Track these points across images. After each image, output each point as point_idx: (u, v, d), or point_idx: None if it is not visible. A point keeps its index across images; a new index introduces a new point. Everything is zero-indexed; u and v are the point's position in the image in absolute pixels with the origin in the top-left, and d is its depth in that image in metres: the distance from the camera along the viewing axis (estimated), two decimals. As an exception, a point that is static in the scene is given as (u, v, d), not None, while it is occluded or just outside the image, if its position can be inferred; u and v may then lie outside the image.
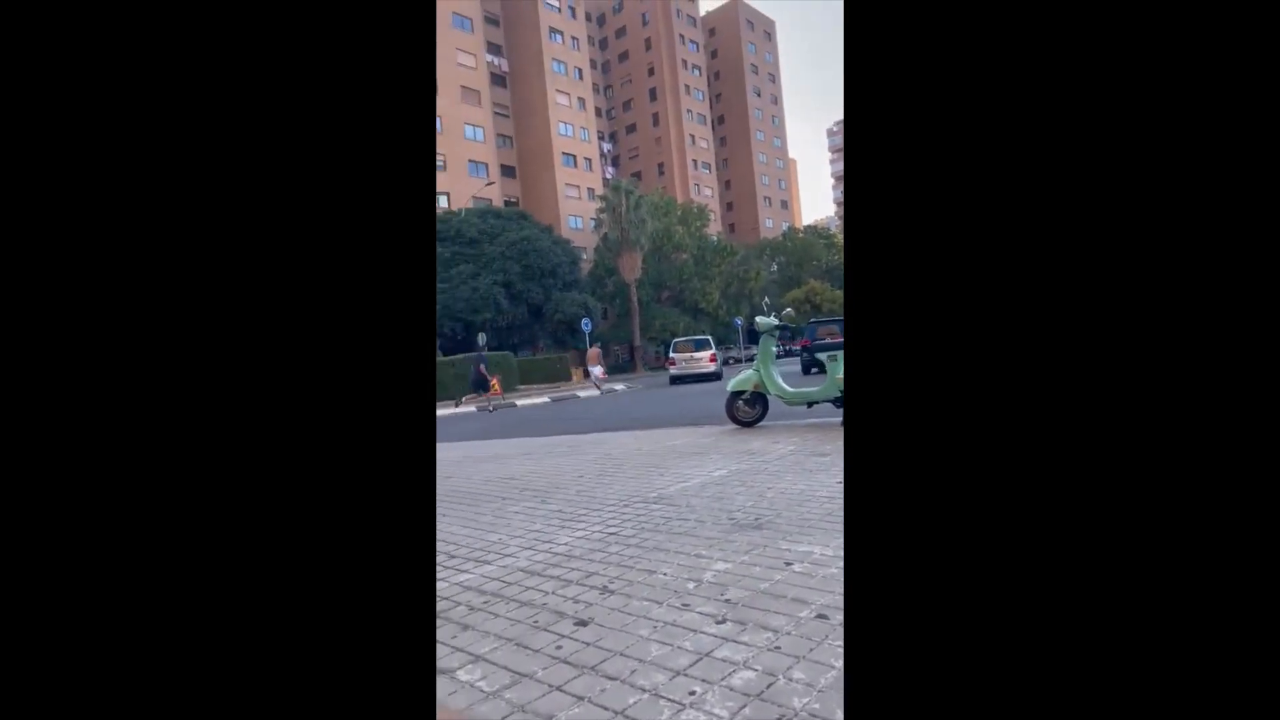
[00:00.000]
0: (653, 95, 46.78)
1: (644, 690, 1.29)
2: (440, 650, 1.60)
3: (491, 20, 36.97)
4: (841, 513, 2.48)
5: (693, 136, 48.04)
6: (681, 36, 47.70)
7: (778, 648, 1.41)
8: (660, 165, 47.07)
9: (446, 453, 5.77)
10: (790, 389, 5.39)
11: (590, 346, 17.02)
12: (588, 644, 1.54)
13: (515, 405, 13.23)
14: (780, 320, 5.68)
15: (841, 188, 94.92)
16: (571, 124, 37.94)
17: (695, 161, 48.09)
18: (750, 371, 5.58)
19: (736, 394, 5.56)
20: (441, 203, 30.09)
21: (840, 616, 1.54)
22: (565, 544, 2.43)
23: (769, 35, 57.16)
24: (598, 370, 16.63)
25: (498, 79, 36.91)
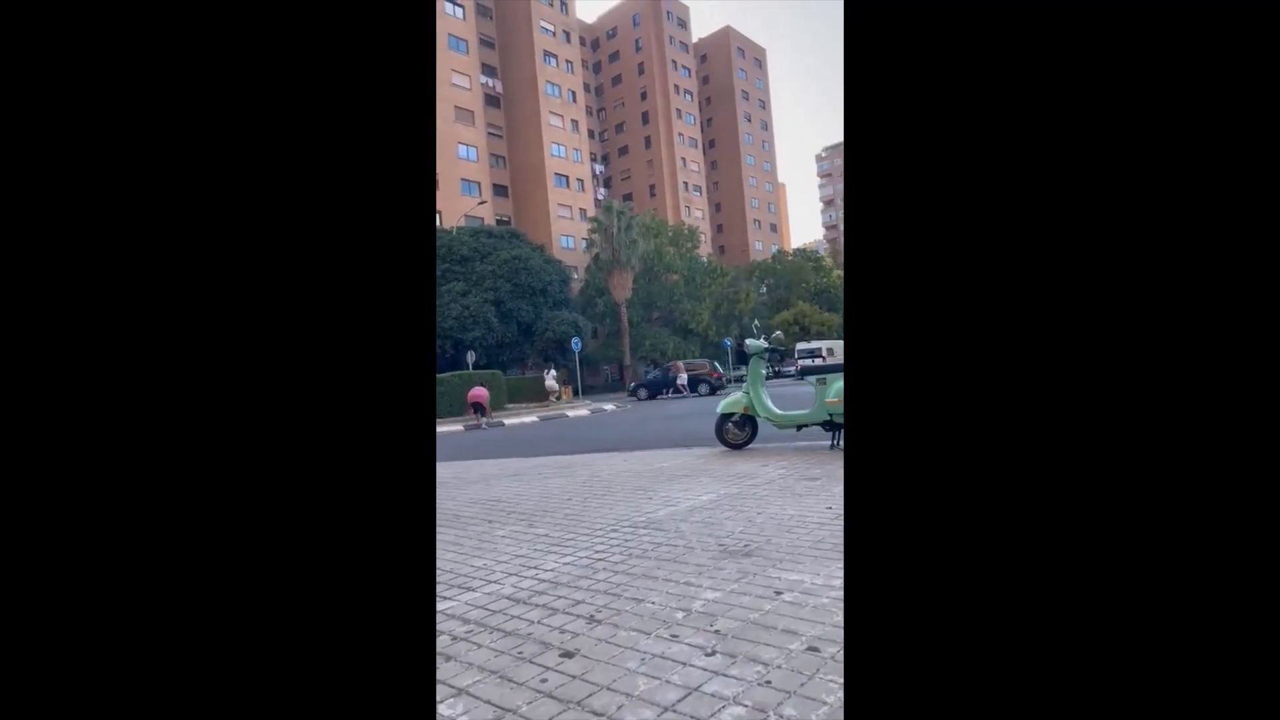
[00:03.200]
0: (645, 119, 47.44)
1: (631, 727, 1.25)
2: (421, 683, 1.55)
3: (487, 43, 37.47)
4: (832, 540, 2.46)
5: (684, 159, 48.67)
6: (674, 62, 48.55)
7: (768, 682, 1.38)
8: (652, 187, 47.56)
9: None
10: (780, 411, 5.39)
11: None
12: (574, 677, 1.50)
13: (503, 424, 13.12)
14: (770, 343, 5.69)
15: (830, 212, 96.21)
16: (564, 145, 38.31)
17: (686, 184, 48.66)
18: (740, 394, 5.58)
19: (726, 416, 5.55)
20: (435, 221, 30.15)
21: (833, 649, 1.51)
22: (552, 570, 2.38)
23: (759, 63, 58.35)
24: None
25: (491, 100, 37.30)
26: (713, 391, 17.74)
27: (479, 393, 13.79)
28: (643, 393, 19.60)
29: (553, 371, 20.16)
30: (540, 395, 21.01)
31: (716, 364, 19.80)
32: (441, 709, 1.40)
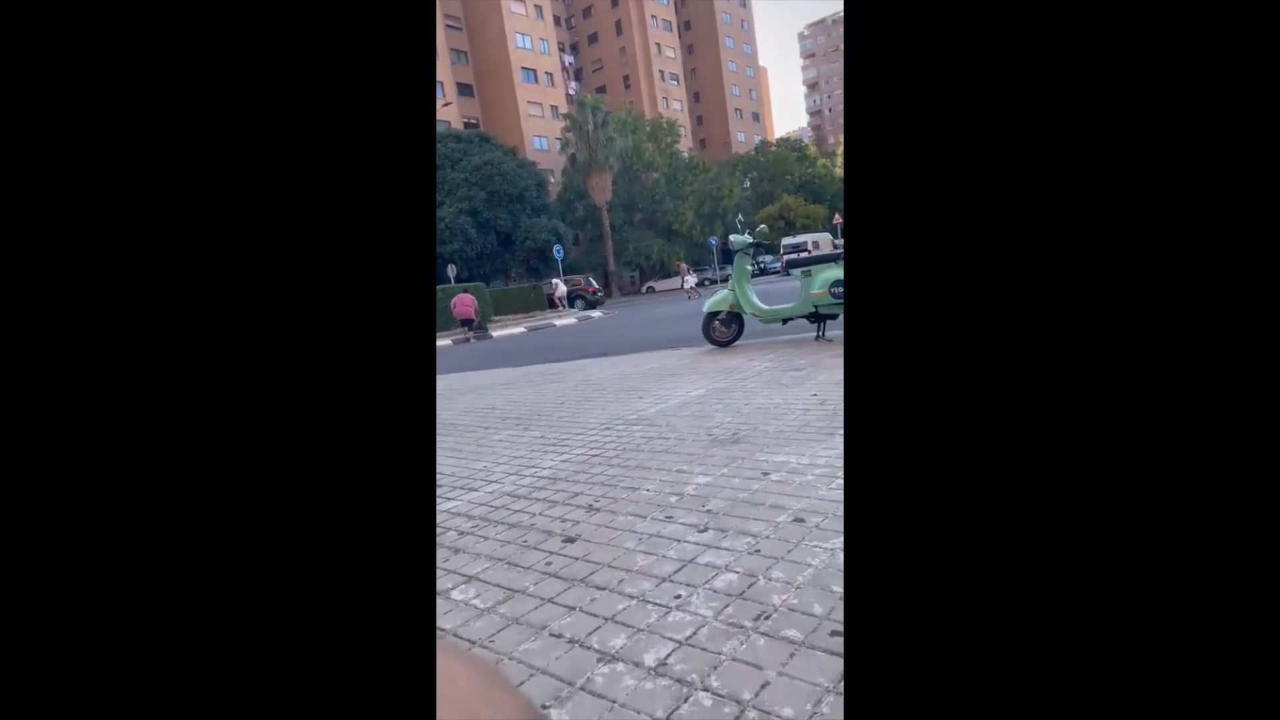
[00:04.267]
0: (614, 0, 43.82)
1: (632, 597, 1.36)
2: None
3: (433, -83, 33.69)
4: (817, 425, 2.56)
5: (659, 45, 45.48)
6: (642, -69, 44.17)
7: (758, 551, 1.48)
8: (626, 78, 44.75)
9: (425, 387, 5.75)
10: (765, 306, 5.41)
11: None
12: (576, 558, 1.60)
13: (491, 336, 13.13)
14: (754, 237, 5.62)
15: (815, 97, 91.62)
16: (529, 35, 35.54)
17: (662, 73, 45.79)
18: (725, 291, 5.57)
19: (712, 314, 5.57)
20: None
21: (817, 519, 1.62)
22: (550, 468, 2.48)
23: (736, -72, 53.22)
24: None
25: (446, -14, 34.09)
26: (589, 307, 18.56)
27: (463, 301, 12.92)
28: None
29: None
30: (529, 306, 20.88)
31: (592, 279, 20.85)
32: (454, 594, 1.50)
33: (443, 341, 12.47)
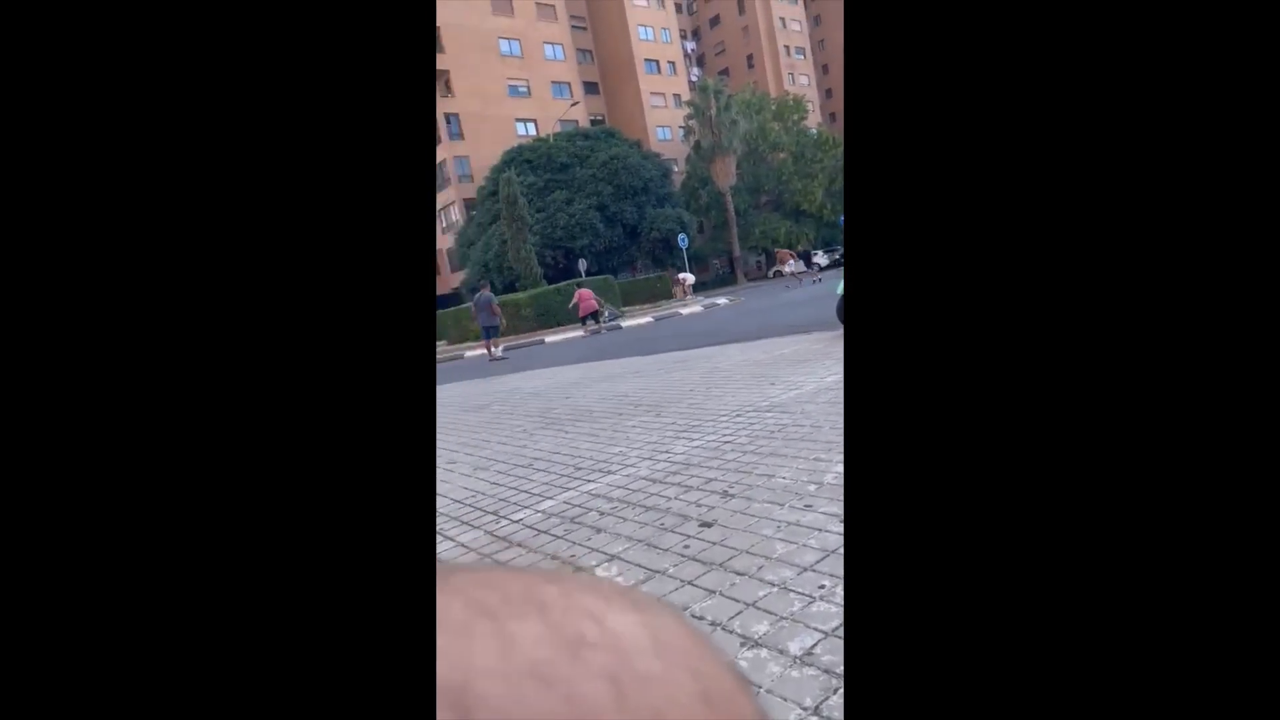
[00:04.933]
0: (736, -22, 42.76)
1: (773, 585, 1.34)
2: (577, 550, 1.74)
3: (558, -77, 34.94)
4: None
5: (783, 20, 43.72)
6: (764, -98, 42.58)
7: (907, 545, 1.40)
8: (749, 58, 43.57)
9: (563, 374, 6.07)
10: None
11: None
12: (714, 543, 1.61)
13: (621, 327, 13.52)
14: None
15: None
16: (651, 26, 35.78)
17: (788, 48, 43.99)
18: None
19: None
20: (529, 130, 30.02)
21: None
22: (682, 453, 2.51)
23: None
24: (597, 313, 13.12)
25: (571, -12, 35.28)
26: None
27: (584, 297, 13.11)
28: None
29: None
30: (656, 296, 21.19)
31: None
32: (598, 571, 1.58)
33: (574, 334, 13.05)
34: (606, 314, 13.35)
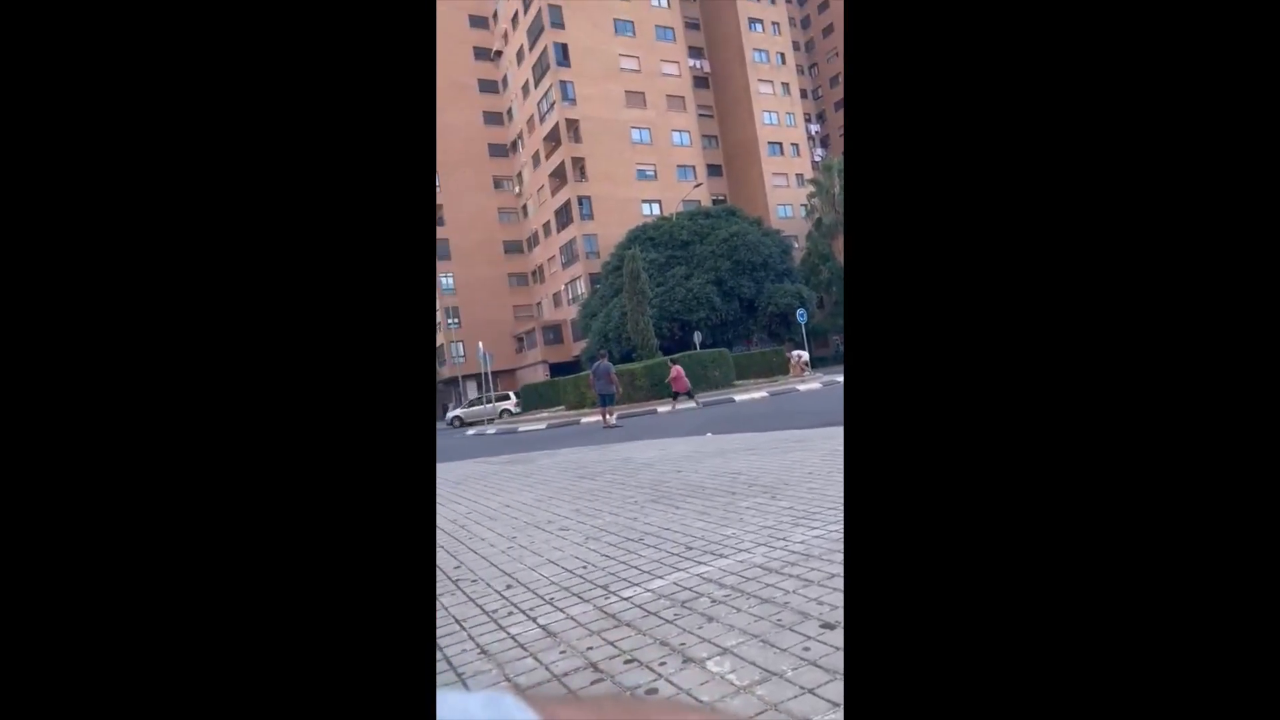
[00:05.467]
0: (862, 64, 43.46)
1: (908, 708, 1.19)
2: (688, 639, 1.67)
3: (692, 24, 37.84)
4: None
5: (912, 100, 43.50)
6: (893, -7, 43.53)
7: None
8: (875, 138, 43.50)
9: (674, 447, 6.04)
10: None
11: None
12: (837, 648, 1.47)
13: (734, 400, 13.34)
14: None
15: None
16: (776, 112, 37.06)
17: (916, 127, 43.45)
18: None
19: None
20: (654, 210, 31.64)
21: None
22: (801, 542, 2.36)
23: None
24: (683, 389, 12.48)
25: (700, 81, 37.66)
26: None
27: (679, 374, 12.58)
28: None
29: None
30: (771, 371, 20.84)
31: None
32: (709, 665, 1.49)
33: (685, 406, 13.02)
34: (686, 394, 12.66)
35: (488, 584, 2.43)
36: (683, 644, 1.64)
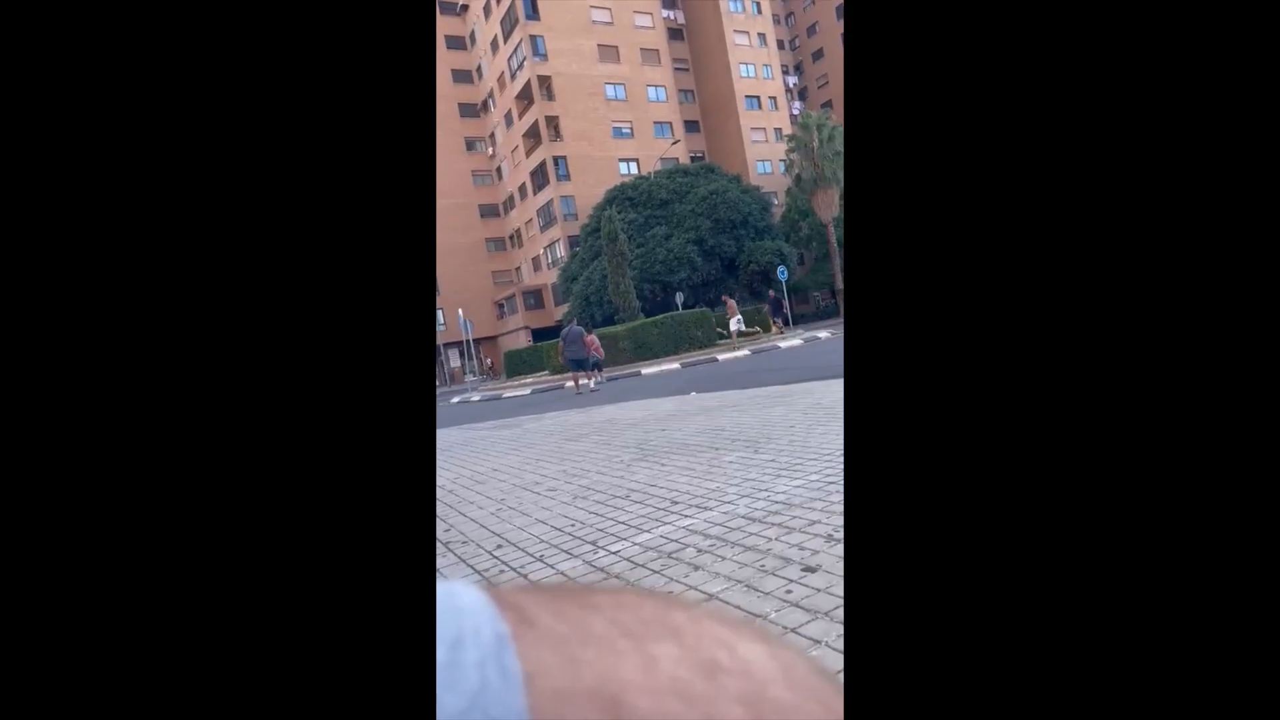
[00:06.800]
0: (839, 13, 42.47)
1: (884, 640, 1.25)
2: (675, 587, 1.72)
3: (664, -27, 36.53)
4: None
5: (890, 48, 42.72)
6: (870, -65, 42.24)
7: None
8: (853, 89, 42.82)
9: (658, 406, 6.10)
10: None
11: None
12: (818, 590, 1.53)
13: (716, 360, 13.44)
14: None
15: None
16: (753, 63, 36.22)
17: (895, 77, 42.81)
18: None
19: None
20: (632, 169, 31.09)
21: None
22: (783, 492, 2.43)
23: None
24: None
25: (675, 33, 36.56)
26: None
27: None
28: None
29: (737, 318, 16.44)
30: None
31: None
32: (696, 610, 1.55)
33: (670, 366, 13.06)
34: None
35: (478, 545, 2.47)
36: (669, 592, 1.69)
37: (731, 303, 16.92)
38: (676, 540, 2.10)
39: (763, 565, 1.75)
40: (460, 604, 0.13)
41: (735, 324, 16.16)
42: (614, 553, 2.09)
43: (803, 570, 1.67)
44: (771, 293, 19.61)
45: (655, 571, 1.86)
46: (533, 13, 30.27)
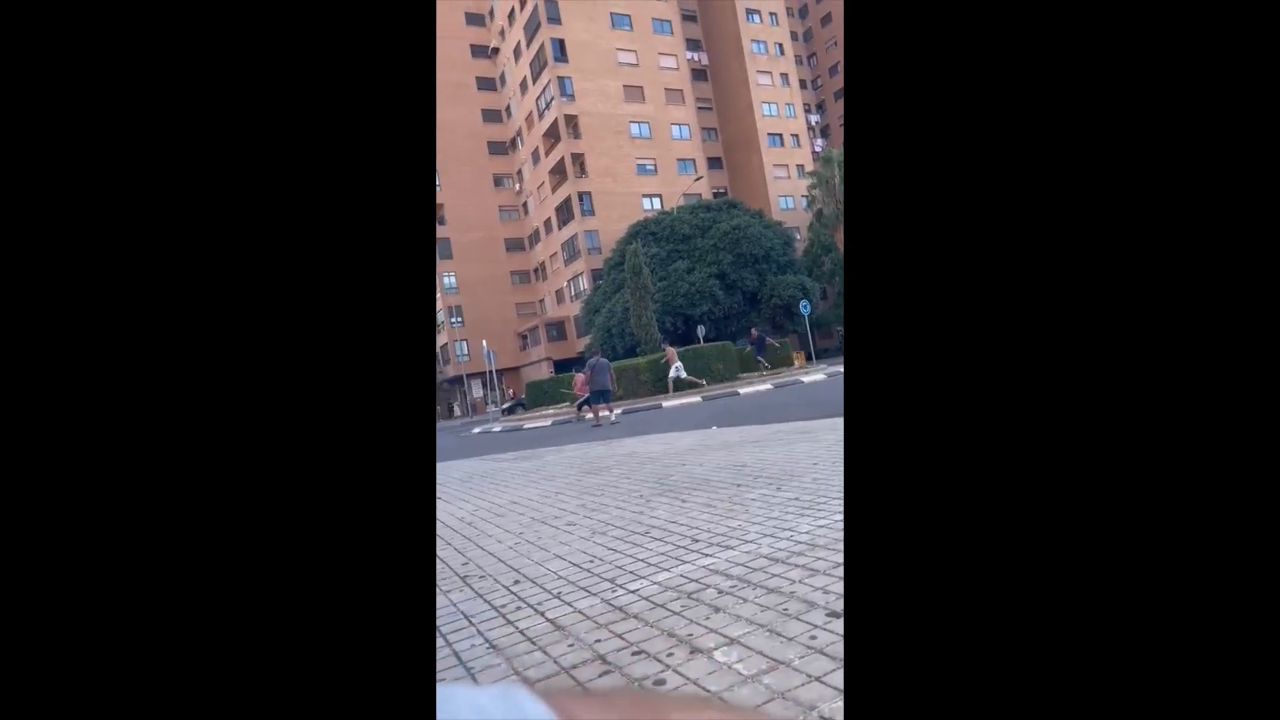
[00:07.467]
0: (862, 52, 43.18)
1: (914, 694, 1.20)
2: (695, 630, 1.67)
3: (689, 16, 37.63)
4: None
5: (912, 87, 43.19)
6: (891, -20, 43.15)
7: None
8: (875, 127, 43.21)
9: (679, 440, 6.05)
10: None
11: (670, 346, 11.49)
12: (844, 637, 1.48)
13: (738, 394, 13.34)
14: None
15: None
16: (775, 102, 36.86)
17: (917, 114, 43.15)
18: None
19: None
20: (655, 204, 31.55)
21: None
22: (807, 532, 2.37)
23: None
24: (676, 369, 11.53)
25: (698, 74, 37.47)
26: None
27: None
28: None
29: (677, 364, 14.75)
30: (774, 363, 20.79)
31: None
32: (716, 655, 1.50)
33: (691, 400, 12.98)
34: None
35: (495, 580, 2.44)
36: (689, 635, 1.65)
37: (671, 350, 15.34)
38: (697, 580, 2.05)
39: (786, 609, 1.70)
40: (525, 715, 0.12)
41: (675, 371, 14.73)
42: (633, 591, 2.05)
43: (828, 615, 1.61)
44: (788, 333, 19.07)
45: (675, 612, 1.82)
46: (561, 55, 31.32)
